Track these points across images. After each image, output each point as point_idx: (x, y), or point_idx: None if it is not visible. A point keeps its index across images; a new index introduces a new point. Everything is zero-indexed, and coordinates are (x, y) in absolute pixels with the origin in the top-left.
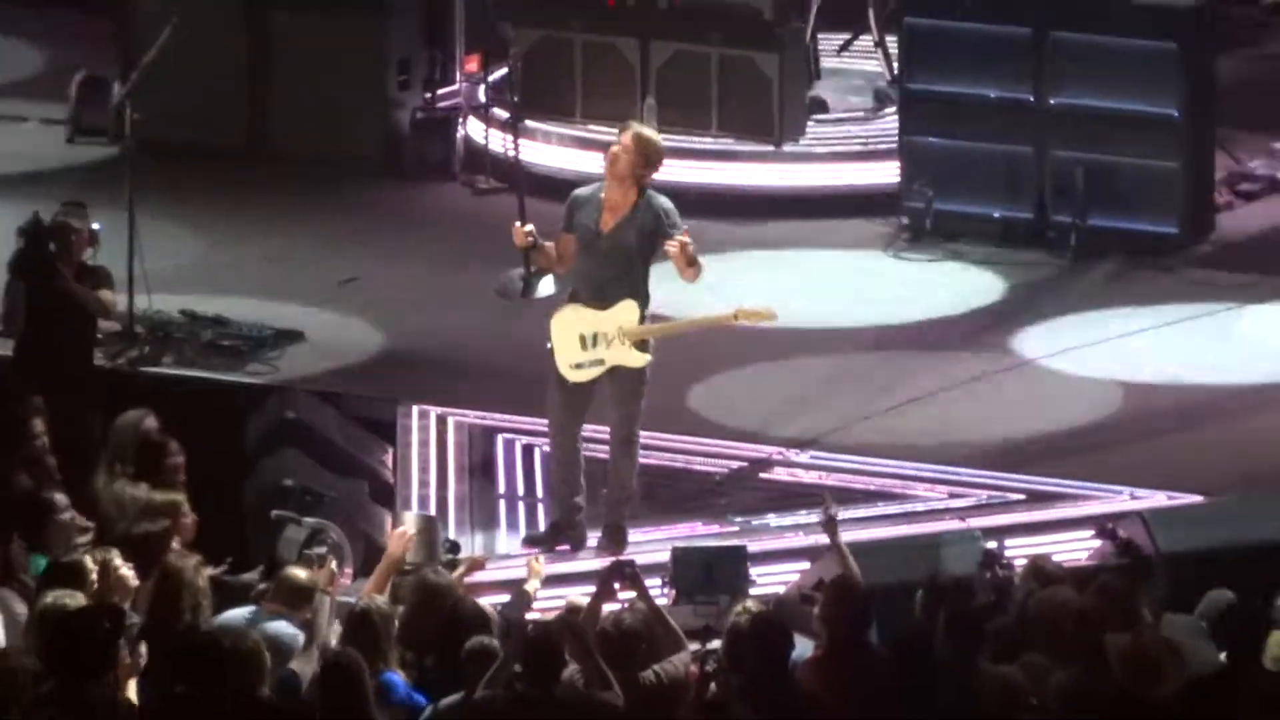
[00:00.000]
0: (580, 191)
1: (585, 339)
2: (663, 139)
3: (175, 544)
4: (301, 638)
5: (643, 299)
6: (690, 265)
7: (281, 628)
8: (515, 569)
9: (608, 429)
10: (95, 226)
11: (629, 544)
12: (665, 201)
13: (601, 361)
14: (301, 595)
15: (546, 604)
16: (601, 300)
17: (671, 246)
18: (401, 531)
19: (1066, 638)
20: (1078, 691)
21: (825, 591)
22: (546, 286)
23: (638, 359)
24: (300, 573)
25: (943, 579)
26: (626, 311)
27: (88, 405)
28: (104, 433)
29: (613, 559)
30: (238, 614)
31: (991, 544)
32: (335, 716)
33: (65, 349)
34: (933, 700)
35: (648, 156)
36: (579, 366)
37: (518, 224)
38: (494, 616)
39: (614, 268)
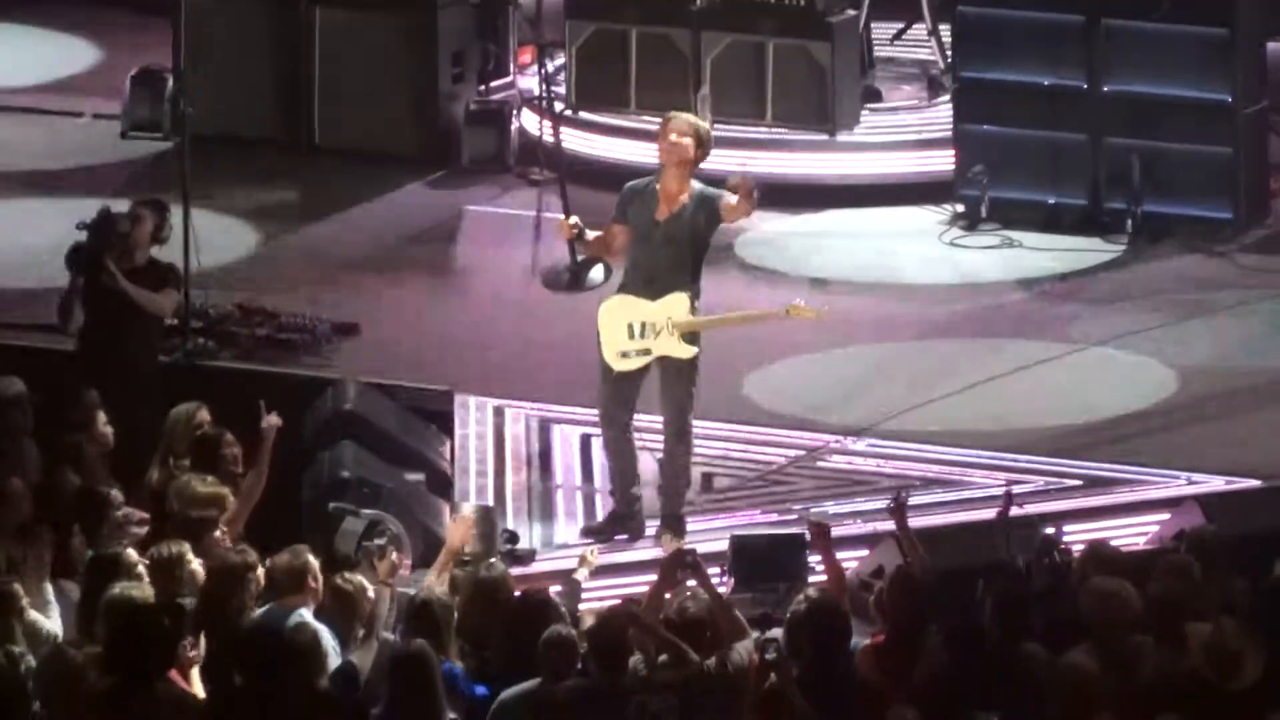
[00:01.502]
0: (634, 184)
1: (633, 328)
2: (717, 129)
3: (228, 535)
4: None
5: (693, 291)
6: (744, 205)
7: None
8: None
9: (662, 419)
10: (171, 223)
11: (687, 533)
12: (712, 190)
13: (648, 351)
14: (294, 576)
15: (601, 594)
16: (651, 290)
17: (731, 196)
18: (459, 521)
19: (1128, 624)
20: (1157, 676)
21: (888, 580)
22: (596, 275)
23: (686, 350)
24: (284, 556)
25: (999, 564)
26: (676, 303)
27: (146, 400)
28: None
29: (674, 548)
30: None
31: (1049, 529)
32: (405, 708)
33: (123, 344)
34: (985, 684)
35: (704, 143)
36: (625, 355)
37: (562, 217)
38: (561, 607)
39: (668, 258)
